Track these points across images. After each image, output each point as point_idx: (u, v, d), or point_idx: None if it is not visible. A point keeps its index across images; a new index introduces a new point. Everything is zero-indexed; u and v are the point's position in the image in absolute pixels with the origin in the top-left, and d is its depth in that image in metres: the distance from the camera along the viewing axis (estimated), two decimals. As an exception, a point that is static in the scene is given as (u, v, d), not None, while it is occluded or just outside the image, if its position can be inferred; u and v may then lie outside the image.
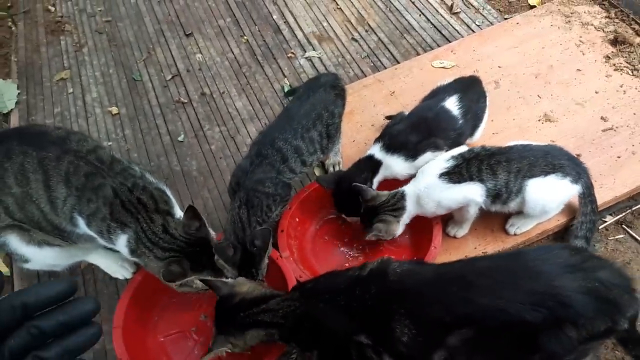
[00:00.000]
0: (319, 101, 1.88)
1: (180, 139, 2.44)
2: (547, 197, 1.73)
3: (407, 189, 1.76)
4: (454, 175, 1.69)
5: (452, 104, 1.89)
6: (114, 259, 1.93)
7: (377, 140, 1.91)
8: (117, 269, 1.93)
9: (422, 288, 1.27)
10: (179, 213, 1.67)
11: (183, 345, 1.74)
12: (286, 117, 1.88)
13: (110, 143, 2.46)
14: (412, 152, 1.83)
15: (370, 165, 1.86)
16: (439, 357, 1.20)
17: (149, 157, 2.39)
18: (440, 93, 1.96)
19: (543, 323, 1.16)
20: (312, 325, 1.34)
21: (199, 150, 2.39)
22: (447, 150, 1.85)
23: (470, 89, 1.97)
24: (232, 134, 2.43)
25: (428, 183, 1.72)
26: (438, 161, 1.75)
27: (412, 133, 1.85)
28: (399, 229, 1.77)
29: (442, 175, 1.70)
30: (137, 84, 2.74)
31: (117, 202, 1.55)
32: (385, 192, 1.78)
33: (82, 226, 1.62)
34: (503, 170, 1.69)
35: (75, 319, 0.66)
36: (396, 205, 1.75)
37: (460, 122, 1.89)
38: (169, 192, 1.70)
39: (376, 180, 1.87)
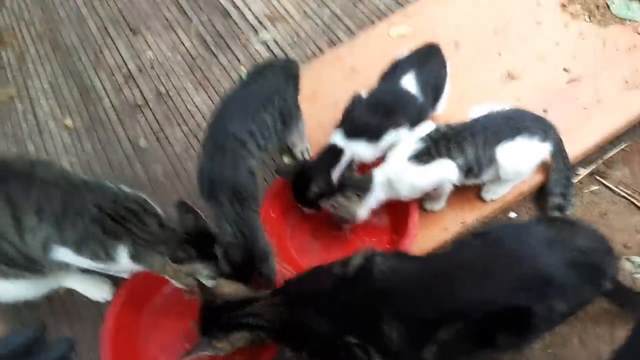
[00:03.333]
0: (268, 84, 1.81)
1: (141, 144, 2.36)
2: (518, 159, 1.72)
3: (377, 172, 1.72)
4: (423, 156, 1.66)
5: (409, 82, 1.84)
6: (91, 282, 1.88)
7: (337, 127, 1.85)
8: (96, 291, 1.88)
9: (407, 286, 1.27)
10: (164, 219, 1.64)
11: (173, 352, 1.72)
12: (232, 103, 1.80)
13: (70, 159, 2.36)
14: (374, 134, 1.79)
15: (332, 154, 1.81)
16: (430, 351, 1.20)
17: (112, 168, 2.30)
18: (398, 69, 1.91)
19: (532, 304, 1.17)
20: (299, 329, 1.33)
21: (163, 154, 2.31)
22: (410, 128, 1.82)
23: (428, 61, 1.91)
24: (195, 132, 2.36)
25: (398, 167, 1.69)
26: (406, 144, 1.71)
27: (372, 116, 1.79)
28: (362, 211, 1.74)
29: (411, 157, 1.67)
30: (89, 91, 2.62)
31: (104, 216, 1.50)
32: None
33: (58, 255, 1.56)
34: (469, 145, 1.67)
35: None
36: (362, 184, 1.71)
37: (421, 99, 1.84)
38: (149, 200, 1.66)
39: (339, 168, 1.82)
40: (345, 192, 1.71)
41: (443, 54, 1.99)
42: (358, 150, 1.80)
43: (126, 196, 1.57)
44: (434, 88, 1.91)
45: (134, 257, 1.53)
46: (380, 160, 1.81)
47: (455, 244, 1.49)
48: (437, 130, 1.72)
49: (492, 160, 1.70)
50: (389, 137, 1.80)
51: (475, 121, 1.74)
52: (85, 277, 1.87)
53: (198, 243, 1.53)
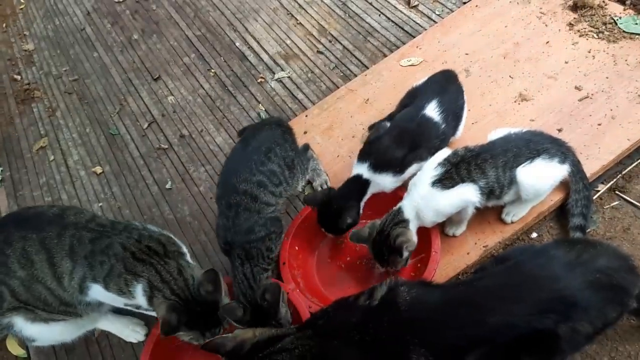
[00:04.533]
0: (266, 137, 1.91)
1: (168, 186, 2.45)
2: (539, 180, 1.74)
3: (404, 203, 1.75)
4: (446, 181, 1.69)
5: (432, 110, 1.88)
6: (124, 324, 1.95)
7: (362, 158, 1.89)
8: (129, 333, 1.94)
9: (433, 315, 1.29)
10: (188, 256, 1.72)
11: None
12: (235, 159, 1.90)
13: (100, 204, 2.46)
14: (399, 168, 1.83)
15: (359, 185, 1.86)
16: None
17: (140, 211, 2.39)
18: (417, 96, 1.95)
19: (556, 327, 1.18)
20: None
21: (189, 194, 2.40)
22: (430, 157, 1.86)
23: (447, 88, 1.96)
24: (218, 171, 2.43)
25: (423, 194, 1.71)
26: (426, 171, 1.75)
27: (397, 148, 1.84)
28: (415, 237, 1.76)
29: (434, 183, 1.70)
30: (115, 138, 2.74)
31: (127, 255, 1.59)
32: (377, 221, 1.77)
33: (92, 294, 1.64)
34: (490, 167, 1.69)
35: None
36: (396, 219, 1.73)
37: (443, 127, 1.89)
38: (174, 237, 1.74)
39: (365, 198, 1.88)
40: (395, 231, 1.70)
41: (459, 80, 2.04)
42: (382, 182, 1.85)
43: (150, 235, 1.66)
44: (454, 116, 1.95)
45: (149, 298, 1.59)
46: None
47: (476, 271, 1.51)
48: (455, 153, 1.75)
49: (512, 182, 1.72)
50: (412, 169, 1.85)
51: (493, 143, 1.76)
52: (118, 318, 1.94)
53: (195, 312, 1.57)
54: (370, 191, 1.87)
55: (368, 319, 1.33)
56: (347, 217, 1.83)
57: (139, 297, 1.60)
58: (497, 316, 1.23)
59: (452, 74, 2.05)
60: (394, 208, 1.76)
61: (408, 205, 1.73)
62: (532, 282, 1.26)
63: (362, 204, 1.88)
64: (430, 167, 1.75)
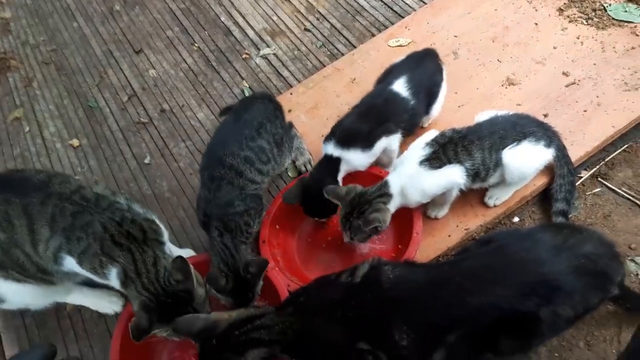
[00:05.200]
0: (258, 112, 1.86)
1: (146, 161, 2.39)
2: (525, 163, 1.73)
3: (390, 177, 1.72)
4: (433, 161, 1.67)
5: (400, 86, 1.86)
6: (100, 295, 1.90)
7: (328, 136, 1.86)
8: (106, 304, 1.90)
9: (416, 294, 1.28)
10: (167, 244, 1.67)
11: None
12: (226, 131, 1.85)
13: (77, 177, 2.39)
14: (366, 142, 1.80)
15: (330, 164, 1.82)
16: (440, 355, 1.20)
17: (118, 185, 2.33)
18: (391, 73, 1.93)
19: (538, 309, 1.17)
20: (311, 340, 1.32)
21: (168, 170, 2.34)
22: (402, 133, 1.85)
23: (421, 65, 1.93)
24: (199, 147, 2.38)
25: (410, 172, 1.68)
26: (414, 149, 1.72)
27: (362, 123, 1.81)
28: (388, 220, 1.73)
29: (422, 162, 1.67)
30: (94, 111, 2.66)
31: (106, 236, 1.55)
32: (359, 186, 1.75)
33: (67, 265, 1.60)
34: (477, 148, 1.68)
35: None
36: (382, 192, 1.70)
37: (412, 102, 1.86)
38: (157, 220, 1.69)
39: (340, 177, 1.84)
40: (375, 205, 1.68)
41: (438, 58, 2.01)
42: (352, 158, 1.81)
43: (133, 219, 1.60)
44: (427, 91, 1.92)
45: (123, 284, 1.55)
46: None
47: (460, 252, 1.49)
48: (442, 135, 1.73)
49: (498, 164, 1.70)
50: (381, 143, 1.81)
51: (480, 125, 1.75)
52: (93, 291, 1.89)
53: (166, 305, 1.51)
54: (344, 169, 1.83)
55: (350, 295, 1.31)
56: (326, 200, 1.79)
57: (113, 280, 1.56)
58: (479, 297, 1.22)
59: (431, 52, 2.02)
60: (380, 182, 1.73)
61: (394, 181, 1.70)
62: (517, 265, 1.25)
63: (339, 181, 1.84)
64: (418, 147, 1.72)
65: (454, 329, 1.21)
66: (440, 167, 1.67)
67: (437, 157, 1.68)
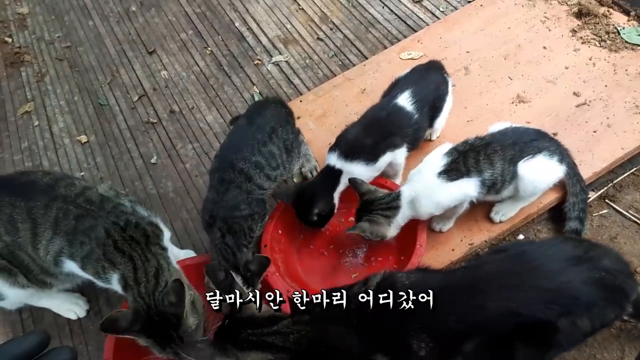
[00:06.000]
0: (271, 116, 1.85)
1: (153, 160, 2.39)
2: (539, 176, 1.72)
3: (404, 189, 1.70)
4: (451, 172, 1.64)
5: (404, 99, 1.85)
6: (65, 299, 1.90)
7: (332, 147, 1.84)
8: (70, 306, 1.90)
9: (434, 300, 1.24)
10: (170, 244, 1.68)
11: None
12: (239, 135, 1.85)
13: (82, 173, 2.40)
14: (370, 156, 1.79)
15: (331, 175, 1.81)
16: None
17: (123, 183, 2.33)
18: (396, 86, 1.92)
19: (557, 319, 1.15)
20: (327, 350, 1.28)
21: (174, 171, 2.34)
22: (407, 147, 1.84)
23: (426, 78, 1.92)
24: (206, 150, 2.39)
25: (427, 183, 1.66)
26: (433, 160, 1.70)
27: (366, 136, 1.80)
28: (390, 231, 1.71)
29: (440, 173, 1.65)
30: (104, 109, 2.68)
31: (109, 242, 1.53)
32: (383, 190, 1.74)
33: (68, 268, 1.61)
34: (499, 158, 1.66)
35: None
36: (390, 204, 1.69)
37: (416, 116, 1.85)
38: (161, 225, 1.68)
39: (339, 190, 1.83)
40: (371, 216, 1.69)
41: (443, 70, 2.00)
42: (355, 171, 1.79)
43: (137, 223, 1.58)
44: (431, 104, 1.91)
45: (124, 289, 1.53)
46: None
47: (474, 259, 1.45)
48: (464, 142, 1.71)
49: (514, 176, 1.69)
50: (386, 157, 1.81)
51: (504, 134, 1.73)
52: (59, 294, 1.88)
53: (153, 323, 1.46)
54: (344, 181, 1.81)
55: (366, 303, 1.26)
56: (315, 208, 1.78)
57: (115, 285, 1.55)
58: (500, 302, 1.19)
59: (436, 64, 2.02)
60: (396, 191, 1.71)
61: (407, 192, 1.68)
62: (538, 271, 1.22)
63: (335, 195, 1.82)
64: (435, 158, 1.70)
65: (472, 337, 1.18)
66: (457, 178, 1.64)
67: (456, 167, 1.65)
